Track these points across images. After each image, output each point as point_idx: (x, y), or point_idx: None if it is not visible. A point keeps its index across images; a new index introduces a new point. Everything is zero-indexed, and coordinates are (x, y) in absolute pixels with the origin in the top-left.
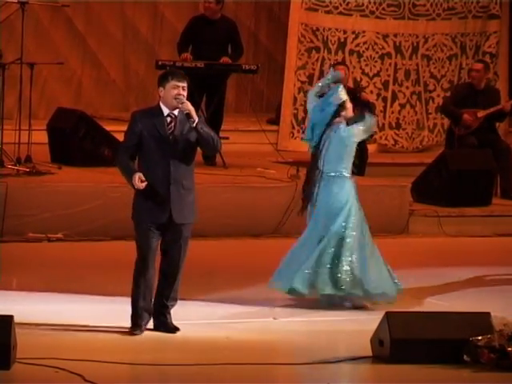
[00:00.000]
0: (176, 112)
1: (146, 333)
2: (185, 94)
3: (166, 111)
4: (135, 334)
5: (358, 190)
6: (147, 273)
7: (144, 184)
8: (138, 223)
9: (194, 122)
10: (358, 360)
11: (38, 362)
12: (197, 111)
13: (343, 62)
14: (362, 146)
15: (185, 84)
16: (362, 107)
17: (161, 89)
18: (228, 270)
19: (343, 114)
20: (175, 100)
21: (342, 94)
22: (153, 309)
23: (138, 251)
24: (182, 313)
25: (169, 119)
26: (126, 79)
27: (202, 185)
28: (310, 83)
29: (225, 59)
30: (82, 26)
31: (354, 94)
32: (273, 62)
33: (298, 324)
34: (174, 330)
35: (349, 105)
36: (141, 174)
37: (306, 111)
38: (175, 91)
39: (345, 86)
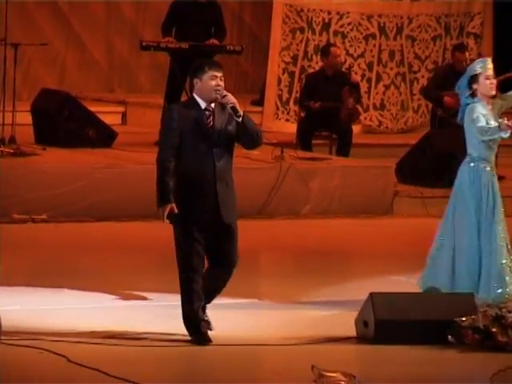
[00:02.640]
0: (213, 105)
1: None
2: (223, 84)
3: (203, 104)
4: (206, 345)
5: (348, 171)
6: (198, 285)
7: (166, 222)
8: (185, 227)
9: (240, 116)
10: (343, 341)
11: (22, 343)
12: (180, 92)
13: (335, 45)
14: (346, 127)
15: (221, 74)
16: (351, 88)
17: (196, 80)
18: None
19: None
20: (215, 92)
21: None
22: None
23: (185, 260)
24: (168, 290)
25: (207, 113)
26: (110, 60)
27: None
28: (295, 64)
29: (213, 41)
30: (66, 7)
31: (345, 76)
32: (257, 42)
33: (283, 305)
34: (210, 326)
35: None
36: (173, 206)
37: (290, 92)
38: (213, 82)
39: (334, 68)
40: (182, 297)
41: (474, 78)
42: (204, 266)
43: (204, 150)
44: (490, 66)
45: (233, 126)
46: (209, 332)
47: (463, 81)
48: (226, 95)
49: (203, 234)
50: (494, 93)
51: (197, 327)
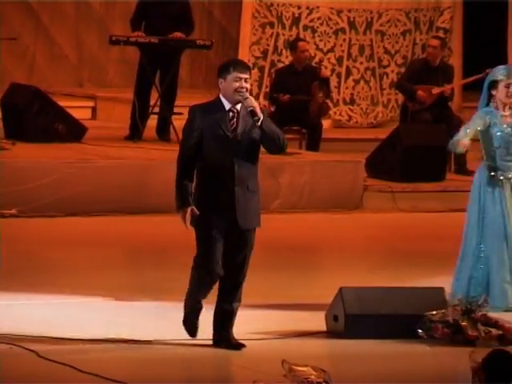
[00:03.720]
0: (238, 106)
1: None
2: (248, 86)
3: (227, 105)
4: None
5: (318, 166)
6: (209, 290)
7: (189, 227)
8: (203, 230)
9: (258, 119)
10: (313, 335)
11: None
12: (150, 87)
13: (304, 39)
14: (316, 122)
15: (247, 75)
16: (321, 83)
17: (221, 80)
18: (182, 245)
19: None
20: (237, 94)
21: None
22: (213, 323)
23: (203, 263)
24: (137, 286)
25: (231, 114)
26: (80, 55)
27: (156, 161)
28: (265, 59)
29: (177, 34)
30: (34, 1)
31: (314, 70)
32: (227, 37)
33: (252, 301)
34: (238, 346)
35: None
36: (194, 208)
37: (260, 87)
38: (237, 84)
39: (302, 63)
40: (189, 290)
41: (493, 84)
42: (221, 271)
43: (224, 152)
44: None
45: (258, 130)
46: None
47: (484, 84)
48: (246, 98)
49: (222, 238)
50: (511, 101)
51: (192, 326)
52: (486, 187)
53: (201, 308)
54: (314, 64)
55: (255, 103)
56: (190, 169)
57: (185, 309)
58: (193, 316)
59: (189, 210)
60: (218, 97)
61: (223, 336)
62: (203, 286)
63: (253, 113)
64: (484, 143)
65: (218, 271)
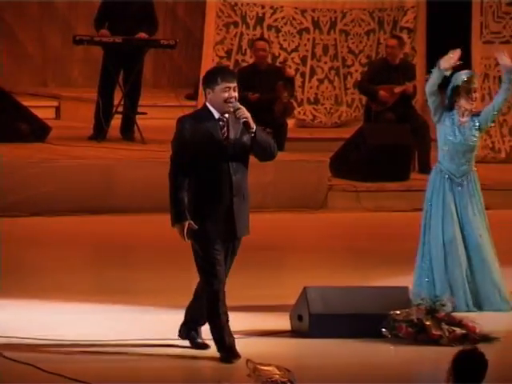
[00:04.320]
0: (227, 114)
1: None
2: (236, 95)
3: (216, 114)
4: (233, 363)
5: (282, 165)
6: (223, 294)
7: (188, 241)
8: (203, 242)
9: (253, 131)
10: (277, 335)
11: None
12: (114, 86)
13: (264, 38)
14: (281, 122)
15: (235, 83)
16: (285, 82)
17: (208, 90)
18: (147, 245)
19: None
20: (227, 105)
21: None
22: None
23: (209, 281)
24: (102, 287)
25: (221, 123)
26: (43, 54)
27: (121, 160)
28: (229, 58)
29: (141, 34)
30: None
31: (279, 70)
32: (191, 37)
33: None
34: (205, 346)
35: None
36: (191, 223)
37: None
38: (226, 94)
39: (264, 62)
40: (208, 310)
41: (456, 89)
42: (225, 275)
43: (219, 163)
44: (475, 79)
45: (247, 136)
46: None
47: (448, 88)
48: (238, 108)
49: (221, 245)
50: (472, 107)
51: (224, 345)
52: (436, 187)
53: (228, 319)
54: (278, 64)
55: (247, 113)
56: (184, 181)
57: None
58: (223, 331)
59: (187, 224)
60: (206, 106)
61: (192, 337)
62: (216, 294)
63: (246, 125)
64: (438, 139)
65: (223, 275)
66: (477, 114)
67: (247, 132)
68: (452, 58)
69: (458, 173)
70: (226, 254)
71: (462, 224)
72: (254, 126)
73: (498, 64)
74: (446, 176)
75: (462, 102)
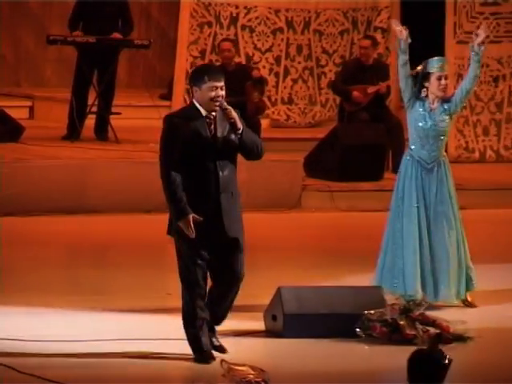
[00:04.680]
0: (214, 112)
1: None
2: (223, 93)
3: (203, 112)
4: (209, 363)
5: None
6: (201, 300)
7: (194, 234)
8: (187, 241)
9: (239, 131)
10: (251, 335)
11: None
12: (88, 86)
13: (229, 39)
14: (254, 121)
15: (222, 83)
16: (254, 82)
17: (195, 88)
18: (121, 245)
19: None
20: (213, 103)
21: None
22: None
23: (187, 280)
24: (73, 286)
25: (208, 121)
26: (16, 54)
27: (95, 160)
28: (203, 58)
29: (115, 35)
30: None
31: (246, 70)
32: (165, 37)
33: None
34: (224, 350)
35: None
36: (195, 216)
37: None
38: (213, 93)
39: (230, 63)
40: (183, 313)
41: (426, 76)
42: (207, 280)
43: (206, 161)
44: (446, 66)
45: (235, 134)
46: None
47: (419, 74)
48: (226, 108)
49: (207, 247)
50: (443, 94)
51: (199, 347)
52: (406, 175)
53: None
54: (246, 63)
55: (234, 114)
56: (178, 178)
57: (190, 331)
58: (199, 334)
59: (190, 217)
60: (193, 103)
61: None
62: (194, 298)
63: (233, 125)
64: (408, 126)
65: (204, 280)
66: (447, 100)
67: (234, 133)
68: (399, 30)
69: (429, 159)
70: (220, 255)
71: (427, 209)
72: (240, 126)
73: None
74: (417, 161)
75: (433, 89)
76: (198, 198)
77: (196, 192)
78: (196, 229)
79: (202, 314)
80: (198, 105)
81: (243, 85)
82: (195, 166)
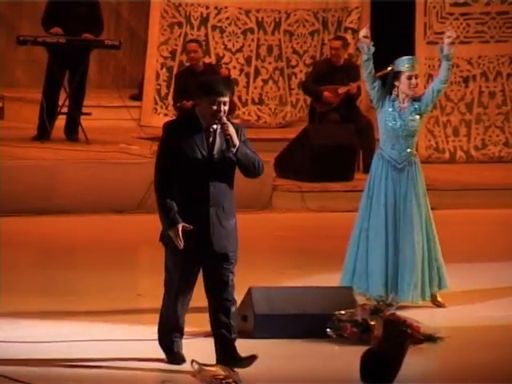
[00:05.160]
0: (215, 125)
1: None
2: (226, 109)
3: (204, 124)
4: (180, 365)
5: None
6: (177, 311)
7: (182, 244)
8: (174, 252)
9: (234, 148)
10: None
11: None
12: (59, 87)
13: (195, 40)
14: (223, 122)
15: (227, 98)
16: None
17: (199, 100)
18: (91, 246)
19: None
20: (213, 118)
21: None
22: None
23: (171, 285)
24: (43, 287)
25: (207, 133)
26: None
27: (65, 161)
28: (173, 59)
29: (86, 35)
30: None
31: (214, 70)
32: (135, 37)
33: (160, 300)
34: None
35: None
36: (185, 224)
37: (168, 87)
38: (214, 107)
39: (198, 64)
40: (161, 318)
41: (396, 75)
42: (191, 294)
43: (200, 173)
44: (417, 66)
45: (229, 150)
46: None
47: (389, 74)
48: (224, 124)
49: (196, 259)
50: (413, 93)
51: (171, 348)
52: (376, 175)
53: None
54: (214, 63)
55: (232, 130)
56: (171, 188)
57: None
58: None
59: (180, 227)
60: (195, 113)
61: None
62: (171, 308)
63: (229, 142)
64: (378, 126)
65: (188, 293)
66: (417, 99)
67: (227, 149)
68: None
69: (400, 158)
70: (213, 267)
71: (396, 209)
72: (237, 142)
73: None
74: (387, 162)
75: (403, 88)
76: (187, 210)
77: (186, 204)
78: (185, 240)
79: (180, 321)
80: (199, 116)
81: None
82: (188, 177)
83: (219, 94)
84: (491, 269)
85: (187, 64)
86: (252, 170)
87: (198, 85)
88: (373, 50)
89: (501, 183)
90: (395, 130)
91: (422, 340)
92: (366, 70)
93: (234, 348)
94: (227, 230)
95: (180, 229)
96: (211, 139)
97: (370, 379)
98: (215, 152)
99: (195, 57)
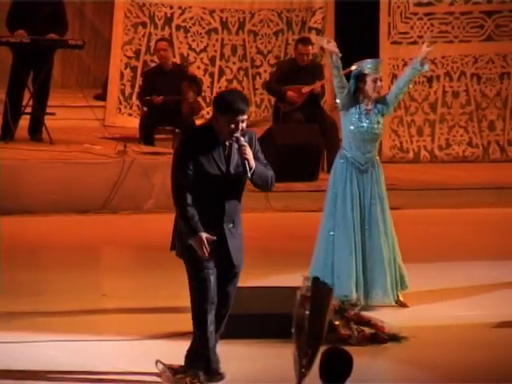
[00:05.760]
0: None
1: None
2: (244, 126)
3: (220, 138)
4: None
5: None
6: (212, 316)
7: (208, 251)
8: (195, 264)
9: (250, 171)
10: (185, 336)
11: None
12: (22, 87)
13: (165, 38)
14: (189, 122)
15: (245, 116)
16: (190, 82)
17: (217, 114)
18: (56, 246)
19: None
20: (230, 136)
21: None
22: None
23: (199, 305)
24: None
25: (223, 147)
26: None
27: (29, 161)
28: (137, 59)
29: (51, 35)
30: None
31: (181, 69)
32: (99, 37)
33: (127, 300)
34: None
35: None
36: (208, 235)
37: (132, 87)
38: (232, 126)
39: (166, 63)
40: (196, 330)
41: (361, 77)
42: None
43: (215, 186)
44: (381, 67)
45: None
46: None
47: (352, 76)
48: (242, 145)
49: (214, 267)
50: (378, 95)
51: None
52: (341, 178)
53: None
54: (180, 63)
55: (249, 152)
56: (190, 195)
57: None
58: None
59: (203, 236)
60: (212, 126)
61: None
62: (204, 315)
63: (246, 165)
64: (342, 127)
65: (215, 297)
66: (379, 100)
67: (244, 172)
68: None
69: (364, 160)
70: (226, 284)
71: (362, 211)
72: (253, 165)
73: (405, 64)
74: (351, 163)
75: (368, 90)
76: (203, 223)
77: (201, 217)
78: (208, 260)
79: (212, 338)
80: (216, 129)
81: (180, 84)
82: (202, 189)
83: (238, 112)
84: (456, 268)
85: (153, 64)
86: (264, 187)
87: (218, 99)
88: (340, 56)
89: (465, 183)
90: (362, 132)
91: (386, 339)
92: (336, 77)
93: (215, 353)
94: (238, 241)
95: (204, 238)
96: (227, 152)
97: (329, 377)
98: (231, 167)
99: (164, 55)
